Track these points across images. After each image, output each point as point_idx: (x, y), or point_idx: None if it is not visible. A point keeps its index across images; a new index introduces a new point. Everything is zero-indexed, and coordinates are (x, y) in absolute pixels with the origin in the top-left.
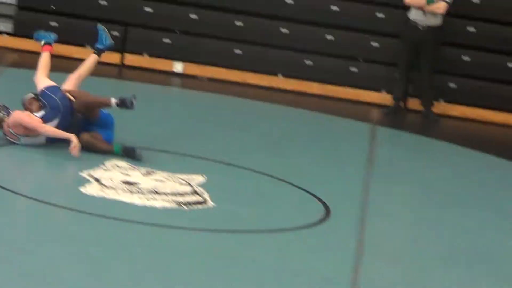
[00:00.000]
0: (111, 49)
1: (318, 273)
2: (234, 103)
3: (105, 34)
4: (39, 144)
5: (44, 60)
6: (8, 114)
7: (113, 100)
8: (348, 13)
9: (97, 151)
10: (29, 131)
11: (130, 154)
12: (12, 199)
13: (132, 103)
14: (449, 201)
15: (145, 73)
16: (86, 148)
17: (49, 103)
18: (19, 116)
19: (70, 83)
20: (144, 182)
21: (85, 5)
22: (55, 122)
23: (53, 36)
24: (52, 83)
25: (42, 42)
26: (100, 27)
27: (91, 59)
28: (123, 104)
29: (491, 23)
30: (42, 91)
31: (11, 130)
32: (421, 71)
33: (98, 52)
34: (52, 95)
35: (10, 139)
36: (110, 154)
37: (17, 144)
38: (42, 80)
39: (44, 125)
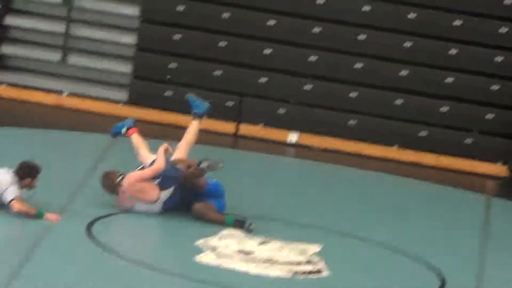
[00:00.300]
0: (209, 112)
1: None
2: (348, 173)
3: (198, 101)
4: (154, 212)
5: (136, 141)
6: (123, 178)
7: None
8: (462, 85)
9: (209, 221)
10: (144, 193)
11: (241, 226)
12: (128, 268)
13: (249, 228)
14: None
15: (260, 143)
16: (198, 218)
17: (170, 173)
18: (133, 175)
19: (180, 151)
20: (259, 251)
21: (200, 76)
22: (171, 190)
23: (129, 120)
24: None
25: (123, 131)
26: (190, 97)
27: (194, 126)
28: (240, 225)
29: None
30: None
31: (128, 194)
32: None
33: (199, 116)
34: (173, 165)
35: (125, 206)
36: (222, 225)
37: (132, 212)
38: (147, 155)
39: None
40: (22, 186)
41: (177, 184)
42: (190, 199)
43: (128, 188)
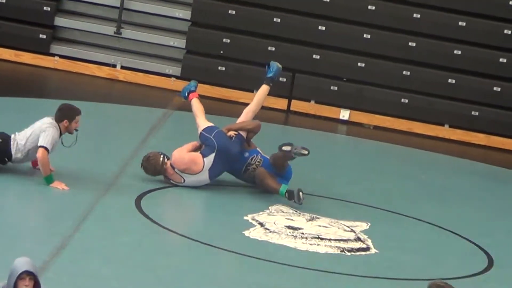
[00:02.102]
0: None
1: None
2: (399, 151)
3: (275, 65)
4: (203, 183)
5: (195, 107)
6: (168, 158)
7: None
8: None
9: (266, 187)
10: (191, 165)
11: (292, 196)
12: (177, 241)
13: (299, 199)
14: None
15: (311, 120)
16: (256, 180)
17: (205, 143)
18: (180, 149)
19: (243, 116)
20: (308, 227)
21: (253, 51)
22: (211, 157)
23: (192, 83)
24: (208, 124)
25: (186, 94)
26: (273, 63)
27: (261, 90)
28: (290, 196)
29: None
30: (200, 133)
31: (176, 170)
32: None
33: (268, 81)
34: (208, 135)
35: (174, 182)
36: (275, 194)
37: (182, 186)
38: (201, 123)
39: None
40: (61, 131)
41: (219, 151)
42: (235, 167)
43: (176, 163)
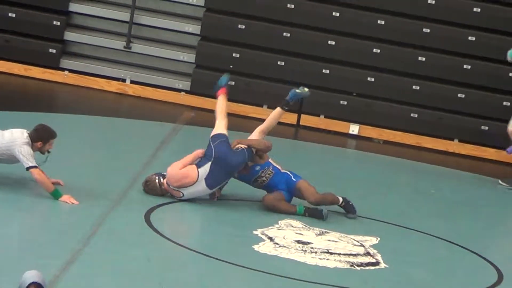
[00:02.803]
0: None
1: None
2: (408, 166)
3: (298, 92)
4: (204, 193)
5: (218, 106)
6: (164, 177)
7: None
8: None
9: (280, 212)
10: (184, 179)
11: (316, 215)
12: (186, 256)
13: (322, 214)
14: None
15: (321, 134)
16: (268, 209)
17: (206, 152)
18: (172, 167)
19: (254, 135)
20: (317, 242)
21: (262, 65)
22: (207, 166)
23: (224, 77)
24: (220, 132)
25: (216, 90)
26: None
27: (275, 112)
28: (310, 213)
29: None
30: (211, 137)
31: (171, 186)
32: None
33: (283, 104)
34: (211, 143)
35: (176, 197)
36: (292, 215)
37: (185, 200)
38: (217, 127)
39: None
40: (33, 149)
41: (213, 159)
42: (245, 178)
43: (170, 181)
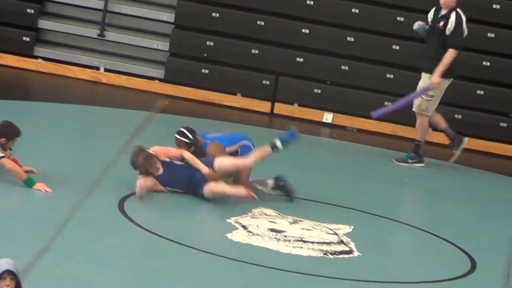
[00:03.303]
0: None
1: None
2: (382, 154)
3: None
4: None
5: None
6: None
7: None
8: (499, 68)
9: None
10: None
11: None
12: (160, 244)
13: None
14: None
15: (295, 122)
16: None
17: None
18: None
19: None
20: (291, 230)
21: (237, 54)
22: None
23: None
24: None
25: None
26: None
27: (262, 151)
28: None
29: None
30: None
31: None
32: None
33: (271, 144)
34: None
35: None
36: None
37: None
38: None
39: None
40: None
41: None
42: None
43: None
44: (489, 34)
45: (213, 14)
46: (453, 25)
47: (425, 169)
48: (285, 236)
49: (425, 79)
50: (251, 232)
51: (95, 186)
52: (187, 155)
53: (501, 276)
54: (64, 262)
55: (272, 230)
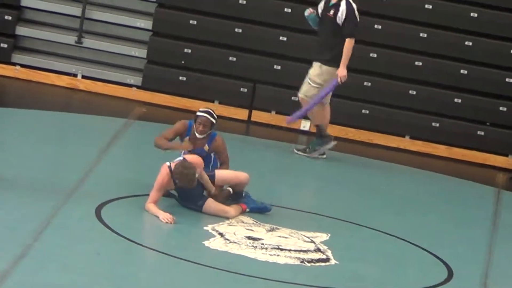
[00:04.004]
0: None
1: None
2: (360, 163)
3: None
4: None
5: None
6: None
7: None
8: (476, 77)
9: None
10: None
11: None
12: (136, 251)
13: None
14: None
15: (272, 130)
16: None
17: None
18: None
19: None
20: (268, 238)
21: (214, 61)
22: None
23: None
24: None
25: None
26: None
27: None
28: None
29: None
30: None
31: None
32: None
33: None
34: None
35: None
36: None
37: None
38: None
39: None
40: None
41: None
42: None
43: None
44: (466, 43)
45: (191, 22)
46: (344, 13)
47: (401, 177)
48: (262, 244)
49: (315, 68)
50: (228, 239)
51: (72, 193)
52: (205, 177)
53: (477, 284)
54: (39, 269)
55: (249, 238)
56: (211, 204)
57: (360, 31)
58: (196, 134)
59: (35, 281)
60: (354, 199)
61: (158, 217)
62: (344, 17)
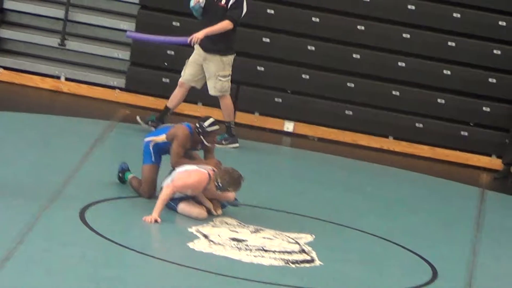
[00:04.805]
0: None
1: None
2: (344, 163)
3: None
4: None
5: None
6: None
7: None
8: (459, 77)
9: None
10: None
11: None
12: (121, 253)
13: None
14: None
15: (256, 132)
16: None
17: None
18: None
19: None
20: (252, 239)
21: None
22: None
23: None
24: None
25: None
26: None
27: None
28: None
29: None
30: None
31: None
32: None
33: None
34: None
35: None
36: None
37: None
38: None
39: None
40: None
41: None
42: None
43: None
44: (449, 43)
45: (174, 23)
46: (234, 1)
47: (385, 178)
48: (247, 245)
49: (216, 63)
50: (212, 241)
51: (56, 195)
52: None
53: (462, 284)
54: (24, 272)
55: (233, 239)
56: (182, 207)
57: (344, 32)
58: (208, 145)
59: (19, 283)
60: (338, 200)
61: (144, 218)
62: (232, 3)
